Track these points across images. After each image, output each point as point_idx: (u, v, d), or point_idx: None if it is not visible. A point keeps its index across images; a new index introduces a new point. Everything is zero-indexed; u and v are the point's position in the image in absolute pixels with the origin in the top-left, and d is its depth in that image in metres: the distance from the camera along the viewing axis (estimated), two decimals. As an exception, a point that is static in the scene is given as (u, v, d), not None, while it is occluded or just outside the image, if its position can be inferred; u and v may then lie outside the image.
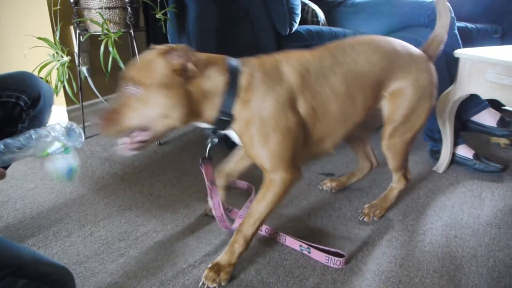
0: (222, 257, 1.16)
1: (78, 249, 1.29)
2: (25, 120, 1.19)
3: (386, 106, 1.33)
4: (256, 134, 1.11)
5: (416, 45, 1.86)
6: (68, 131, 0.97)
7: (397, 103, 1.31)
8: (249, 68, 1.11)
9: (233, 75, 1.08)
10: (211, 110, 1.08)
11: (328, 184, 1.66)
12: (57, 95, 2.13)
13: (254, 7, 1.74)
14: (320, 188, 1.67)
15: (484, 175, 1.78)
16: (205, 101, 1.06)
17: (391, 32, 1.91)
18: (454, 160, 1.84)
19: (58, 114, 2.32)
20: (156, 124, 1.03)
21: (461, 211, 1.51)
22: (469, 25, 2.30)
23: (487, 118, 1.83)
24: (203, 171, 1.26)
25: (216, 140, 1.20)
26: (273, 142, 1.11)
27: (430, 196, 1.61)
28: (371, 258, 1.25)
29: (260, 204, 1.16)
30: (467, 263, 1.23)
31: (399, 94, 1.31)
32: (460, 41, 1.87)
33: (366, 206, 1.49)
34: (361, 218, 1.45)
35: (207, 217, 1.45)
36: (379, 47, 1.29)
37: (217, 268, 1.14)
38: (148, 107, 1.01)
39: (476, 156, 1.80)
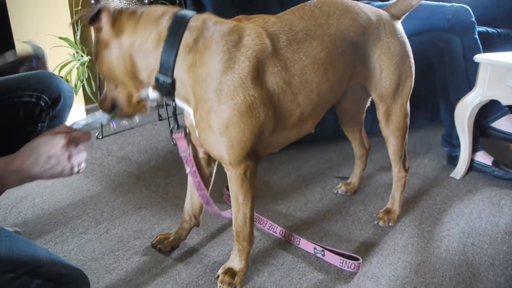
0: (232, 262, 1.15)
1: (94, 246, 1.31)
2: (45, 120, 1.20)
3: (366, 80, 1.26)
4: (208, 113, 0.95)
5: (436, 50, 1.85)
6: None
7: (377, 77, 1.24)
8: (200, 23, 0.97)
9: (174, 29, 0.95)
10: (148, 69, 0.98)
11: (343, 188, 1.65)
12: (76, 94, 2.17)
13: (272, 12, 1.74)
14: (335, 191, 1.66)
15: (503, 182, 1.74)
16: (137, 57, 0.97)
17: (410, 36, 1.89)
18: (473, 167, 1.81)
19: (76, 112, 2.36)
20: (116, 94, 1.03)
21: (479, 219, 1.48)
22: (490, 29, 2.26)
23: (507, 124, 1.80)
24: (177, 143, 1.12)
25: (174, 105, 1.04)
26: (231, 125, 0.95)
27: (447, 202, 1.59)
28: (386, 263, 1.24)
29: (238, 206, 1.08)
30: (484, 272, 1.21)
31: (376, 68, 1.23)
32: (481, 46, 1.85)
33: (381, 211, 1.48)
34: (376, 223, 1.44)
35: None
36: (347, 8, 1.17)
37: (231, 272, 1.13)
38: (106, 86, 1.05)
39: (495, 163, 1.77)
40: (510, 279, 1.18)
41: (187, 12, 0.99)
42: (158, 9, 1.00)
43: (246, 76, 0.95)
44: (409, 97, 1.33)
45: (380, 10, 1.28)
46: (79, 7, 2.12)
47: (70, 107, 1.27)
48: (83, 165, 0.96)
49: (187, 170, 1.14)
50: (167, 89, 0.98)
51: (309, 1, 1.17)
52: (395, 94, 1.28)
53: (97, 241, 1.34)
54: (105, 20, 0.96)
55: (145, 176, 1.79)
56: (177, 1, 2.03)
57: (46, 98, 1.18)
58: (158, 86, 0.98)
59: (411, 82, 1.31)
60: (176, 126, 1.09)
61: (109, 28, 0.96)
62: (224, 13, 1.84)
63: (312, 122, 1.15)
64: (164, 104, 2.24)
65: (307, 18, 1.09)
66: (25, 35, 2.64)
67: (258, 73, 0.97)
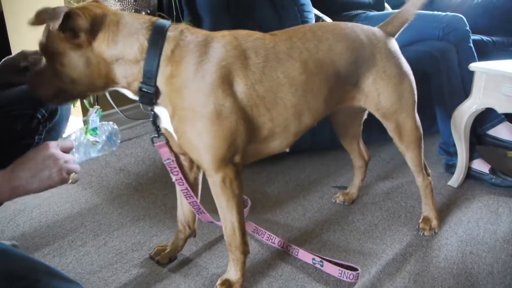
0: (229, 273, 1.15)
1: (92, 258, 1.30)
2: (42, 132, 1.20)
3: (365, 103, 1.26)
4: (183, 120, 0.99)
5: (431, 59, 1.86)
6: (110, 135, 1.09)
7: (375, 100, 1.25)
8: (177, 34, 0.99)
9: (154, 41, 0.97)
10: (129, 78, 0.99)
11: (341, 198, 1.65)
12: (74, 105, 2.17)
13: (268, 22, 1.76)
14: (333, 201, 1.66)
15: (500, 190, 1.74)
16: (117, 67, 0.97)
17: (405, 45, 1.91)
18: (470, 175, 1.81)
19: (75, 124, 2.36)
20: (64, 87, 0.99)
21: (477, 227, 1.49)
22: (484, 38, 2.28)
23: (504, 132, 1.81)
24: (160, 151, 1.12)
25: (153, 113, 1.05)
26: (203, 132, 0.98)
27: (444, 211, 1.59)
28: (385, 273, 1.24)
29: (222, 213, 1.09)
30: (483, 280, 1.21)
31: (372, 91, 1.24)
32: (476, 54, 1.86)
33: (420, 221, 1.47)
34: (421, 234, 1.43)
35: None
36: (343, 35, 1.17)
37: (228, 284, 1.13)
38: (48, 74, 0.99)
39: (492, 171, 1.78)
40: (509, 287, 1.18)
41: (165, 22, 1.01)
42: (135, 18, 1.00)
43: (217, 86, 0.98)
44: (416, 108, 1.33)
45: (377, 33, 1.27)
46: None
47: (67, 119, 1.27)
48: (75, 175, 0.95)
49: (173, 178, 1.16)
50: (150, 98, 1.00)
51: (309, 24, 1.18)
52: (400, 112, 1.29)
53: (95, 253, 1.33)
54: (82, 24, 0.91)
55: (143, 188, 1.78)
56: (174, 13, 2.04)
57: (43, 111, 1.18)
58: (141, 95, 1.00)
59: (413, 96, 1.31)
60: (157, 134, 1.09)
61: (84, 35, 0.93)
62: (221, 25, 1.86)
63: (285, 139, 1.14)
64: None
65: (296, 39, 1.11)
66: (22, 45, 2.65)
67: (229, 84, 1.00)
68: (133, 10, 2.03)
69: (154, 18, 1.02)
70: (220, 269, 1.25)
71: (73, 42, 0.93)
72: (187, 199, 1.17)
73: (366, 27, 1.27)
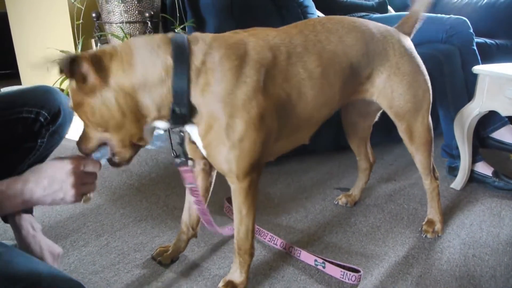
0: (233, 274, 1.15)
1: (95, 259, 1.31)
2: (45, 135, 1.18)
3: (378, 99, 1.25)
4: (223, 129, 0.94)
5: (434, 62, 1.86)
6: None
7: (389, 96, 1.24)
8: (201, 44, 0.94)
9: (179, 56, 0.90)
10: (157, 102, 0.92)
11: (343, 199, 1.65)
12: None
13: (271, 24, 1.75)
14: (336, 203, 1.66)
15: (503, 193, 1.74)
16: (142, 94, 0.90)
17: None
18: (473, 177, 1.81)
19: (78, 127, 2.37)
20: (108, 138, 0.96)
21: (480, 230, 1.48)
22: (488, 40, 2.28)
23: (507, 134, 1.80)
24: (182, 175, 1.11)
25: (183, 134, 1.03)
26: (244, 139, 0.95)
27: (447, 213, 1.59)
28: (387, 275, 1.24)
29: (241, 219, 1.08)
30: (486, 284, 1.21)
31: (386, 87, 1.23)
32: (479, 57, 1.86)
33: (423, 223, 1.47)
34: (424, 236, 1.43)
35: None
36: (353, 27, 1.17)
37: (232, 285, 1.13)
38: (86, 129, 0.98)
39: (495, 174, 1.77)
40: (512, 291, 1.18)
41: (180, 35, 0.95)
42: (147, 40, 0.94)
43: (258, 89, 0.96)
44: (430, 111, 1.32)
45: (390, 30, 1.27)
46: (80, 21, 2.15)
47: (70, 121, 1.26)
48: (90, 195, 0.94)
49: (193, 199, 1.15)
50: (183, 118, 0.94)
51: (315, 17, 1.18)
52: (413, 112, 1.28)
53: (98, 254, 1.33)
54: (87, 69, 0.87)
55: (146, 188, 1.79)
56: (178, 15, 2.05)
57: (46, 114, 1.16)
58: (174, 117, 0.93)
59: (428, 97, 1.30)
60: (184, 158, 1.07)
61: (94, 76, 0.87)
62: (224, 27, 1.86)
63: (306, 132, 1.15)
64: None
65: (307, 32, 1.10)
66: (26, 48, 2.67)
67: (265, 85, 0.98)
68: (136, 12, 2.04)
69: (170, 34, 0.96)
70: (222, 270, 1.25)
71: (86, 85, 0.88)
72: (201, 216, 1.19)
73: (378, 23, 1.27)
